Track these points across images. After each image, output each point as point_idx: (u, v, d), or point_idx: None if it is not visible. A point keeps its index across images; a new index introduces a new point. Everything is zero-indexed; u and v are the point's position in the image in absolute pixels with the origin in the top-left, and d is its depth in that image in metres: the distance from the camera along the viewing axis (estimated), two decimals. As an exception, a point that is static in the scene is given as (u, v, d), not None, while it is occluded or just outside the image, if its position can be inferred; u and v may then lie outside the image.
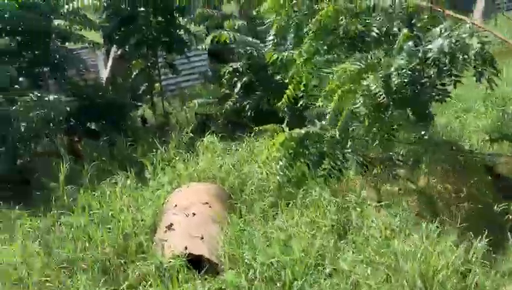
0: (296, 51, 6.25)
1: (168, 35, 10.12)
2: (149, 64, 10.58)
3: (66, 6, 8.40)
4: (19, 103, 7.73)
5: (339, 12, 5.57)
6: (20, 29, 8.04)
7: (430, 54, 5.24)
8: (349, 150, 5.99)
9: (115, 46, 10.97)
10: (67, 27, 8.31)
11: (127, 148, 7.88)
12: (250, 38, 8.34)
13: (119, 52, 10.77)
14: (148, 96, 10.68)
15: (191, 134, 8.07)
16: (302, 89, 6.36)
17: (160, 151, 7.53)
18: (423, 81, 5.36)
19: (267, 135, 7.60)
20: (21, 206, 6.24)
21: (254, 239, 5.25)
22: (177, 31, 10.21)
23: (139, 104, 10.11)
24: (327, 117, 6.03)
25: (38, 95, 8.12)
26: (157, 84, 10.75)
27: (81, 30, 8.90)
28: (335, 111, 5.44)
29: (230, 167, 6.82)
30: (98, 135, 8.59)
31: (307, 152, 6.09)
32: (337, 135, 5.84)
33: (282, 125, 6.34)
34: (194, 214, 5.71)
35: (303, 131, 6.05)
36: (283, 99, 6.41)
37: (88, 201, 6.10)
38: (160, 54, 10.63)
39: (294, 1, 5.92)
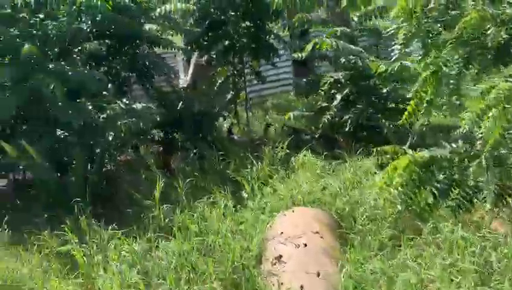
0: (421, 63, 5.50)
1: (257, 41, 9.59)
2: (235, 71, 10.08)
3: (158, 10, 7.97)
4: (108, 111, 7.36)
5: (485, 19, 4.78)
6: (109, 32, 7.67)
7: None
8: (488, 179, 5.19)
9: (197, 51, 10.55)
10: (158, 32, 7.83)
11: (218, 162, 7.32)
12: (352, 46, 7.64)
13: (204, 59, 10.31)
14: (232, 105, 10.18)
15: (287, 150, 7.44)
16: (425, 105, 5.62)
17: (256, 168, 6.95)
18: None
19: (378, 155, 6.87)
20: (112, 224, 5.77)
21: (380, 279, 4.56)
22: (267, 36, 9.67)
23: (226, 113, 9.57)
24: (459, 141, 5.29)
25: (127, 102, 7.74)
26: (241, 93, 10.26)
27: (172, 36, 8.45)
28: (484, 133, 4.65)
29: (337, 189, 6.13)
30: (185, 147, 8.11)
31: (433, 179, 5.33)
32: (483, 162, 5.06)
33: (405, 147, 5.58)
34: (305, 245, 5.06)
35: (428, 154, 5.30)
36: (404, 116, 5.66)
37: (186, 223, 5.56)
38: (246, 60, 10.12)
39: (428, 6, 5.16)
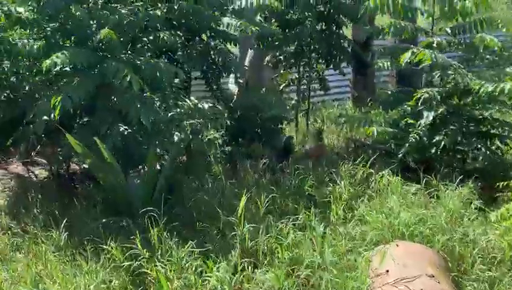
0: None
1: (330, 46, 8.87)
2: (301, 76, 9.36)
3: (238, 3, 7.27)
4: (175, 109, 6.65)
5: None
6: (185, 22, 6.96)
7: None
8: None
9: (252, 50, 9.84)
10: (235, 27, 7.12)
11: (294, 176, 6.57)
12: (451, 61, 6.87)
13: (267, 59, 9.57)
14: (293, 112, 9.45)
15: (369, 169, 6.68)
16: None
17: (338, 187, 6.21)
18: None
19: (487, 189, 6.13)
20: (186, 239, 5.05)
21: None
22: (341, 41, 8.94)
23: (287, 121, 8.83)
24: None
25: (196, 101, 7.04)
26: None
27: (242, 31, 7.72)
28: None
29: (441, 223, 5.35)
30: (252, 156, 7.39)
31: None
32: None
33: None
34: (422, 292, 4.32)
35: None
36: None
37: (273, 248, 4.85)
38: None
39: None
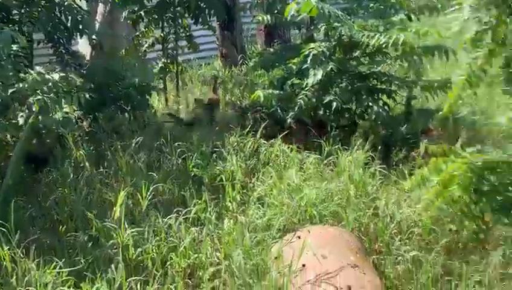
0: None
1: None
2: (167, 34, 8.21)
3: None
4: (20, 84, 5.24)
5: None
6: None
7: None
8: None
9: (104, 5, 8.50)
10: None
11: (175, 155, 5.55)
12: (338, 12, 6.21)
13: (124, 15, 8.24)
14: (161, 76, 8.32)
15: (261, 139, 5.90)
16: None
17: (230, 164, 5.35)
18: None
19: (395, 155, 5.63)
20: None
21: None
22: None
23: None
24: None
25: (42, 71, 5.65)
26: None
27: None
28: None
29: (351, 197, 4.75)
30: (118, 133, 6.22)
31: (495, 189, 4.17)
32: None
33: (457, 147, 4.32)
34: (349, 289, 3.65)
35: (488, 158, 4.11)
36: (446, 106, 4.41)
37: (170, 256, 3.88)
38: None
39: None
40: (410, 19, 6.39)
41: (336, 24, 6.17)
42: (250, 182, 5.29)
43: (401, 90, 6.54)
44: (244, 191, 5.08)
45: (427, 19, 6.54)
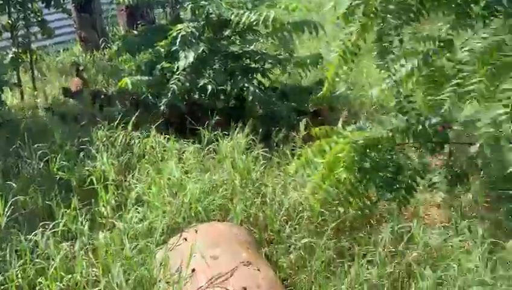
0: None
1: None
2: (15, 19, 7.33)
3: None
4: None
5: None
6: None
7: None
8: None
9: None
10: None
11: (36, 157, 4.92)
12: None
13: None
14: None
15: (134, 132, 5.43)
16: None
17: (100, 162, 4.83)
18: None
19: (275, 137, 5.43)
20: None
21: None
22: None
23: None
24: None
25: None
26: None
27: None
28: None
29: (237, 186, 4.50)
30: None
31: (376, 166, 4.13)
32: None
33: (339, 127, 4.21)
34: (244, 290, 3.41)
35: (369, 135, 4.05)
36: (325, 86, 4.28)
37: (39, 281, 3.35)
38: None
39: None
40: (278, -6, 6.22)
41: (203, 2, 5.83)
42: (125, 181, 4.85)
43: (275, 69, 6.39)
44: (120, 192, 4.63)
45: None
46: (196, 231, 3.86)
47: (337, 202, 4.11)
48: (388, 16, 4.05)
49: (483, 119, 3.33)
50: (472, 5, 3.94)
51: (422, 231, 3.87)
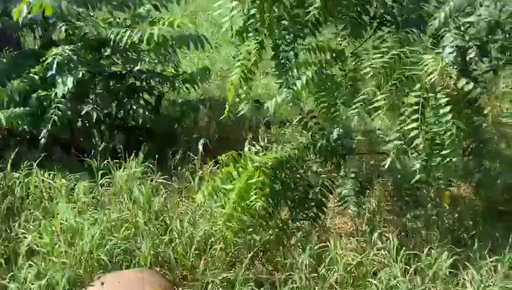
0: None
1: None
2: None
3: None
4: None
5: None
6: None
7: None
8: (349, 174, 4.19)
9: None
10: None
11: None
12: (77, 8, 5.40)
13: None
14: None
15: (14, 172, 4.82)
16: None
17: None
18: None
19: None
20: None
21: None
22: None
23: None
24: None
25: None
26: None
27: None
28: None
29: (140, 224, 4.13)
30: None
31: (287, 186, 4.00)
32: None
33: (246, 151, 4.00)
34: None
35: (277, 154, 3.91)
36: (225, 112, 4.05)
37: None
38: None
39: None
40: (157, 8, 5.89)
41: (78, 23, 5.35)
42: (9, 232, 4.28)
43: (163, 86, 6.06)
44: (6, 244, 4.08)
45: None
46: (102, 284, 3.49)
47: (250, 229, 3.92)
48: (283, 32, 3.94)
49: (392, 134, 3.33)
50: (363, 16, 3.96)
51: (340, 249, 3.81)
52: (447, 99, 3.06)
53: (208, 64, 7.93)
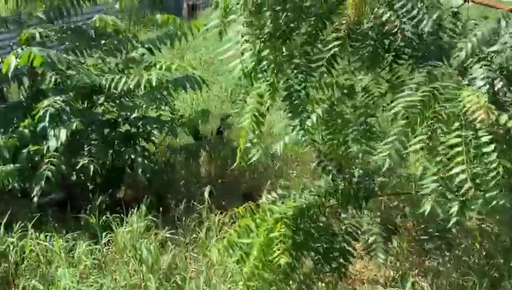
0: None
1: None
2: None
3: None
4: None
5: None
6: None
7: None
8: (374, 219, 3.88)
9: None
10: None
11: None
12: (67, 56, 5.11)
13: None
14: None
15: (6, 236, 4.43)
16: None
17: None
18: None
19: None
20: None
21: None
22: None
23: None
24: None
25: None
26: None
27: None
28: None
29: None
30: None
31: (311, 238, 3.68)
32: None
33: (264, 201, 3.69)
34: None
35: (298, 203, 3.60)
36: (237, 159, 3.75)
37: None
38: None
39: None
40: (151, 52, 5.62)
41: (69, 72, 5.06)
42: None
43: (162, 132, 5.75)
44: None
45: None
46: None
47: (273, 288, 3.58)
48: (295, 70, 3.69)
49: (428, 177, 3.04)
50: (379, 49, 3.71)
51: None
52: (489, 137, 2.80)
53: (201, 102, 7.69)
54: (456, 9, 3.65)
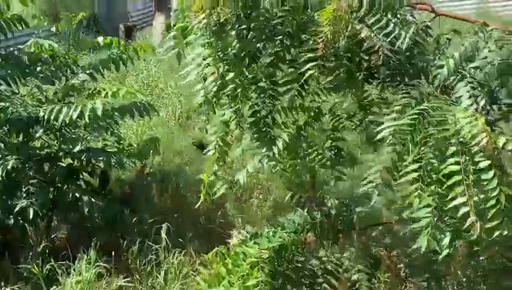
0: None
1: None
2: None
3: None
4: None
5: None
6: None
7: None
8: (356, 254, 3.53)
9: None
10: None
11: None
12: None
13: None
14: None
15: None
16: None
17: None
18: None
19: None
20: None
21: None
22: None
23: None
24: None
25: None
26: None
27: None
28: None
29: None
30: None
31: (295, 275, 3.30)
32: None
33: (235, 244, 3.27)
34: None
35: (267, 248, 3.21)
36: (201, 195, 3.33)
37: None
38: None
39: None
40: (94, 78, 5.12)
41: (1, 104, 4.49)
42: None
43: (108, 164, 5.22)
44: None
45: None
46: None
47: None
48: (261, 95, 3.34)
49: (421, 208, 2.73)
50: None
51: None
52: (488, 162, 2.53)
53: (147, 129, 7.20)
54: (428, 23, 3.40)
